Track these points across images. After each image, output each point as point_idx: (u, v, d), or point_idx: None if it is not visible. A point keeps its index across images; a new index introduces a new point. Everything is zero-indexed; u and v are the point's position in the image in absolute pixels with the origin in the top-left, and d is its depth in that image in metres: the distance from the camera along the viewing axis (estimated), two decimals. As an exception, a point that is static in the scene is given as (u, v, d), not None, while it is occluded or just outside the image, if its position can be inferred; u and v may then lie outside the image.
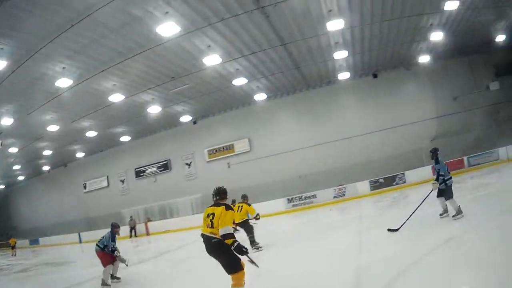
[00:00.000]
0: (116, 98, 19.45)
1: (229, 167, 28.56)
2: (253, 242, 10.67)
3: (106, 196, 32.87)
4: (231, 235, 5.12)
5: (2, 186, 38.66)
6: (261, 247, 10.38)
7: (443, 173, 9.50)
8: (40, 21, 11.91)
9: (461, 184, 14.60)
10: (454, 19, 19.56)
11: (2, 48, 12.73)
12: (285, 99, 27.77)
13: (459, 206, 9.15)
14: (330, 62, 22.25)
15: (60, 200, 34.73)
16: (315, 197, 23.89)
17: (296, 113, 27.99)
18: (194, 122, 29.05)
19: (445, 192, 9.49)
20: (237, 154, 28.53)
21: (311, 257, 8.16)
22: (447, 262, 5.99)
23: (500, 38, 23.46)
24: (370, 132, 26.20)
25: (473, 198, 11.59)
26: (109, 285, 8.99)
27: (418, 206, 9.66)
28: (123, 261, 9.33)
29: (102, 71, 16.51)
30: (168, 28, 13.43)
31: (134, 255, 16.18)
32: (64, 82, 15.93)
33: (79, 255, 21.24)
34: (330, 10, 15.34)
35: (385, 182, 23.42)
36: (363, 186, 23.51)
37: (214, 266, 5.58)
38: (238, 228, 11.03)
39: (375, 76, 26.52)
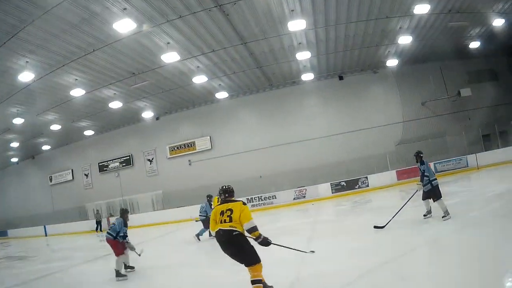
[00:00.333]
0: (78, 92, 20.51)
1: (190, 164, 29.83)
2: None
3: (71, 189, 33.96)
4: (256, 228, 5.59)
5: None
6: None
7: (428, 174, 10.15)
8: (3, 15, 12.63)
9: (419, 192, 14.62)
10: (425, 23, 20.68)
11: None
12: (248, 98, 29.07)
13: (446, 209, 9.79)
14: (294, 62, 23.33)
15: (28, 192, 35.91)
16: (275, 198, 24.91)
17: (259, 113, 29.27)
18: (157, 118, 30.31)
19: (432, 193, 10.09)
20: (198, 152, 29.75)
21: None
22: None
23: (475, 44, 24.74)
24: (334, 134, 27.47)
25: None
26: (125, 275, 9.08)
27: (403, 206, 10.48)
28: (132, 248, 9.48)
29: (64, 65, 17.40)
30: (125, 24, 14.11)
31: (100, 249, 17.09)
32: (27, 76, 16.80)
33: (43, 249, 21.77)
34: (292, 10, 16.19)
35: (347, 185, 24.61)
36: (325, 188, 24.53)
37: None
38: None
39: (341, 78, 27.83)
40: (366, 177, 24.57)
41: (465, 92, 27.14)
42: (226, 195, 6.06)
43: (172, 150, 30.40)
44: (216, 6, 14.82)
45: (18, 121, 23.33)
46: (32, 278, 10.89)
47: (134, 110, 27.69)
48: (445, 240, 8.09)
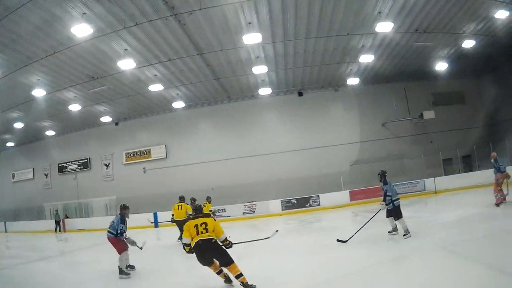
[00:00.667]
0: (40, 93, 22.27)
1: (144, 172, 31.60)
2: (180, 238, 13.85)
3: (31, 188, 35.40)
4: (227, 238, 7.64)
5: None
6: None
7: (390, 194, 11.07)
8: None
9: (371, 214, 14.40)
10: (389, 42, 21.87)
11: None
12: (205, 110, 30.72)
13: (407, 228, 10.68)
14: (251, 76, 24.78)
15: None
16: (225, 211, 25.64)
17: (215, 124, 30.92)
18: (116, 123, 32.08)
19: (393, 212, 11.04)
20: (153, 160, 31.51)
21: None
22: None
23: (442, 66, 26.15)
24: (290, 151, 28.98)
25: (375, 234, 11.76)
26: (128, 274, 9.80)
27: (366, 223, 11.45)
28: (133, 243, 10.15)
29: (27, 65, 18.77)
30: (84, 29, 15.38)
31: (54, 249, 19.04)
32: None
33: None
34: (250, 23, 17.35)
35: (298, 203, 25.47)
36: (275, 205, 25.48)
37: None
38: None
39: (300, 94, 29.44)
40: (318, 196, 25.40)
41: (428, 114, 28.60)
42: (198, 212, 8.05)
43: (128, 157, 32.09)
44: (172, 15, 15.88)
45: (-19, 117, 24.89)
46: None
47: (94, 114, 29.11)
48: (406, 258, 8.99)
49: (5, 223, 32.81)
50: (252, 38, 18.30)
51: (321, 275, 8.01)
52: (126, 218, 10.31)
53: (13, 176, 37.08)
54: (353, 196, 25.58)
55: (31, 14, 14.61)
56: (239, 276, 7.33)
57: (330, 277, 7.74)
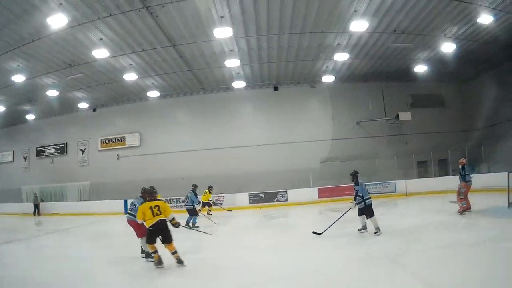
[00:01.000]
0: (19, 78, 23.94)
1: (118, 159, 33.58)
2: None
3: (10, 170, 37.51)
4: (174, 218, 9.62)
5: None
6: None
7: (361, 194, 11.86)
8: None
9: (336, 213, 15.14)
10: (366, 41, 23.07)
11: None
12: (180, 100, 32.67)
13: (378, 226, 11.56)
14: (226, 69, 26.11)
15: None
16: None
17: (190, 115, 32.91)
18: (94, 110, 34.16)
19: (365, 211, 11.89)
20: (127, 147, 33.47)
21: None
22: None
23: (421, 68, 27.16)
24: (261, 145, 30.95)
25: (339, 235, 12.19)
26: (151, 257, 9.93)
27: (338, 219, 12.37)
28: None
29: (8, 52, 20.40)
30: (60, 19, 16.59)
31: (25, 231, 20.74)
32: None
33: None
34: (222, 17, 18.36)
35: (265, 197, 27.16)
36: (243, 198, 26.98)
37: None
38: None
39: (276, 89, 31.19)
40: (286, 191, 26.96)
41: (404, 116, 30.28)
42: (152, 195, 9.76)
43: (103, 143, 34.14)
44: (144, 8, 17.04)
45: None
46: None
47: (72, 100, 31.09)
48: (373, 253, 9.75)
49: (-17, 204, 34.84)
50: (223, 32, 19.27)
51: (269, 272, 8.61)
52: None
53: (-5, 158, 39.20)
54: (322, 193, 27.26)
55: (11, 3, 16.11)
56: (174, 252, 9.35)
57: (278, 275, 8.31)
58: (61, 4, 16.22)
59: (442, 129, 31.55)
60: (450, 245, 9.67)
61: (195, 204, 18.18)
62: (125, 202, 28.12)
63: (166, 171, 30.38)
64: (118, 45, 21.53)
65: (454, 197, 15.71)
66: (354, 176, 12.36)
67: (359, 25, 19.62)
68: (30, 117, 35.22)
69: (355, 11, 18.76)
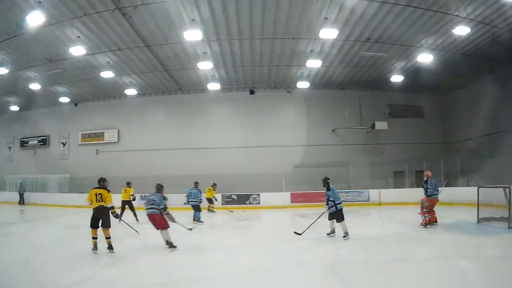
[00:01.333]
0: (2, 71, 25.63)
1: (97, 153, 35.54)
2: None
3: None
4: (113, 207, 11.47)
5: None
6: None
7: (332, 199, 12.73)
8: None
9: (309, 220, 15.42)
10: (340, 49, 24.07)
11: None
12: (157, 98, 34.45)
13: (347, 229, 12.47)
14: (200, 71, 27.50)
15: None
16: (166, 199, 27.66)
17: (167, 114, 34.75)
18: (75, 104, 36.30)
19: (336, 215, 12.76)
20: (106, 143, 35.36)
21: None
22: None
23: (398, 79, 28.52)
24: (237, 147, 32.50)
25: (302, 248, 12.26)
26: (175, 246, 11.63)
27: (313, 222, 13.58)
28: (173, 219, 12.08)
29: None
30: (39, 16, 18.17)
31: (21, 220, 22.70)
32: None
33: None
34: (193, 20, 19.53)
35: (238, 199, 28.43)
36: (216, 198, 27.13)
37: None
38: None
39: (252, 92, 32.87)
40: (258, 194, 28.25)
41: (381, 125, 31.84)
42: (102, 183, 11.83)
43: (83, 137, 36.14)
44: (117, 8, 18.24)
45: None
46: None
47: (53, 93, 32.86)
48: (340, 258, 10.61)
49: (-34, 193, 36.32)
50: (194, 35, 20.54)
51: (237, 269, 9.41)
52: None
53: (-21, 147, 40.26)
54: (294, 198, 28.57)
55: (-6, 0, 17.22)
56: (108, 238, 11.19)
57: (240, 272, 9.13)
58: (40, 2, 17.68)
59: (420, 140, 33.07)
60: (397, 259, 10.13)
61: (199, 200, 20.28)
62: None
63: (143, 168, 32.10)
64: (94, 43, 22.92)
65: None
66: (325, 182, 13.28)
67: (330, 33, 20.58)
68: (14, 108, 37.35)
69: (326, 18, 19.76)
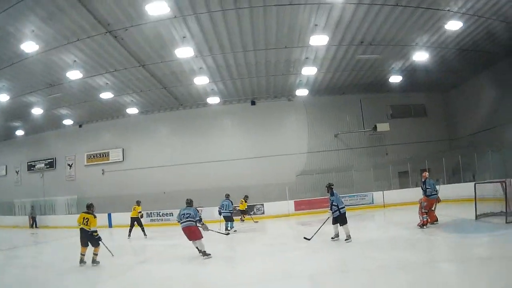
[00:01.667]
0: (4, 98, 26.35)
1: (103, 173, 36.14)
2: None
3: (3, 184, 40.39)
4: (96, 231, 12.80)
5: None
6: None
7: (336, 204, 13.39)
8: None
9: (310, 228, 16.96)
10: (334, 55, 24.28)
11: None
12: (160, 115, 35.01)
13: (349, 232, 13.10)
14: (199, 86, 27.83)
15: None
16: (172, 215, 28.39)
17: (170, 130, 35.22)
18: (80, 126, 36.97)
19: (340, 219, 13.38)
20: (111, 162, 35.99)
21: None
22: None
23: (398, 78, 28.34)
24: (239, 159, 32.91)
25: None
26: (209, 254, 12.80)
27: (320, 227, 14.22)
28: (206, 229, 13.52)
29: None
30: (33, 44, 18.78)
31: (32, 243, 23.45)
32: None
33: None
34: (184, 37, 19.95)
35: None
36: None
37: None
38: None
39: (253, 103, 33.17)
40: (262, 204, 28.61)
41: (383, 127, 31.79)
42: (88, 209, 13.16)
43: (89, 158, 36.76)
44: (107, 32, 18.93)
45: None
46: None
47: (57, 116, 33.77)
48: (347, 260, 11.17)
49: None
50: (185, 52, 20.94)
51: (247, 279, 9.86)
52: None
53: (-13, 173, 41.98)
54: (297, 206, 29.06)
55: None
56: (95, 254, 12.90)
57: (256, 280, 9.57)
58: (33, 30, 18.33)
59: (423, 138, 33.09)
60: (385, 266, 9.86)
61: (231, 211, 21.46)
62: (109, 215, 31.41)
63: (148, 185, 32.64)
64: (91, 66, 23.48)
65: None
66: (329, 187, 13.96)
67: (321, 39, 20.65)
68: (20, 132, 38.05)
69: (316, 25, 19.91)
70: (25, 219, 34.38)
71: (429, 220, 15.16)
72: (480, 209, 15.45)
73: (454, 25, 20.32)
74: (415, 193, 21.52)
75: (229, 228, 20.85)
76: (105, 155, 36.30)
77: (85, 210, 13.31)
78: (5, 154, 41.09)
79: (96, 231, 12.94)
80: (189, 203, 13.82)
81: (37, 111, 30.56)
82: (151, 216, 29.54)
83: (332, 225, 13.91)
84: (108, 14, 17.95)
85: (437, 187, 15.83)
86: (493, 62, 26.46)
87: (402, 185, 29.97)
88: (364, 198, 28.17)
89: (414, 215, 16.31)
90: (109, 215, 31.30)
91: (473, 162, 27.30)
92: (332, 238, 13.89)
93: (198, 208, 14.62)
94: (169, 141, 34.73)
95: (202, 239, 13.01)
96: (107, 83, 26.48)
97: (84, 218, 12.93)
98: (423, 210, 15.03)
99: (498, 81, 26.77)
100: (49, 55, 21.42)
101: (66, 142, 37.67)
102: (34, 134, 38.55)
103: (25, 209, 36.25)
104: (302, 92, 30.71)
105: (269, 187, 29.82)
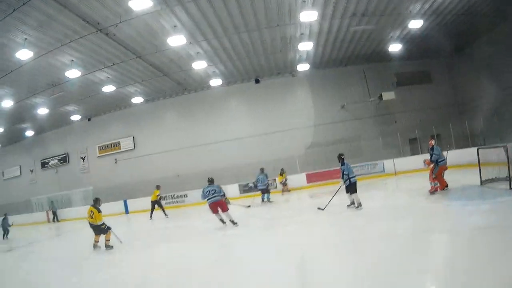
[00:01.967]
0: (8, 103, 27.93)
1: (116, 162, 37.04)
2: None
3: (19, 184, 42.18)
4: (104, 223, 13.58)
5: None
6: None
7: (347, 173, 13.70)
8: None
9: (317, 200, 18.22)
10: (329, 29, 24.20)
11: None
12: (165, 101, 35.48)
13: (360, 200, 13.62)
14: (200, 69, 28.13)
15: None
16: (186, 196, 29.78)
17: (177, 115, 35.56)
18: (89, 119, 37.60)
19: (350, 188, 13.86)
20: (123, 151, 36.69)
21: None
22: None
23: (398, 47, 27.90)
24: (249, 137, 33.23)
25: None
26: (236, 222, 14.32)
27: (332, 197, 14.83)
28: (229, 203, 14.88)
29: None
30: (27, 51, 19.77)
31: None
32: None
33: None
34: (175, 26, 20.30)
35: (255, 187, 27.49)
36: (233, 189, 28.52)
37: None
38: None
39: (257, 81, 33.21)
40: (275, 179, 28.31)
41: (388, 95, 31.61)
42: (95, 203, 13.96)
43: (101, 149, 37.55)
44: (98, 31, 19.66)
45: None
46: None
47: (65, 113, 34.56)
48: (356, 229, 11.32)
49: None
50: (177, 40, 21.41)
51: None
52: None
53: (3, 174, 43.61)
54: (310, 178, 28.88)
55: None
56: (108, 240, 13.69)
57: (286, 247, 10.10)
58: (26, 39, 19.29)
59: (431, 105, 32.65)
60: (387, 235, 9.82)
61: (266, 184, 22.75)
62: (125, 202, 32.27)
63: (161, 170, 33.28)
64: (89, 63, 24.13)
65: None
66: (339, 157, 14.30)
67: (311, 14, 20.83)
68: (29, 133, 39.31)
69: (303, 1, 19.94)
70: (43, 215, 35.61)
71: (439, 186, 15.04)
72: (486, 175, 15.05)
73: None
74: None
75: (265, 200, 22.28)
76: (117, 145, 37.02)
77: (92, 203, 14.11)
78: (17, 155, 42.41)
79: (103, 224, 13.73)
80: (211, 181, 15.06)
81: (43, 111, 31.36)
82: (166, 199, 29.39)
83: (346, 194, 14.36)
84: (96, 14, 18.46)
85: (445, 153, 15.79)
86: (494, 25, 26.00)
87: (414, 152, 29.64)
88: (375, 167, 27.74)
89: (424, 182, 16.44)
90: (125, 202, 32.26)
91: (481, 127, 26.97)
92: (348, 205, 14.48)
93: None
94: (178, 125, 35.24)
95: (229, 210, 14.61)
96: (108, 77, 26.92)
97: (90, 211, 13.69)
98: (434, 177, 14.93)
99: (502, 44, 26.09)
100: (46, 58, 22.03)
101: (77, 136, 38.45)
102: (44, 133, 39.61)
103: (42, 205, 37.35)
104: (303, 67, 30.67)
105: (280, 162, 29.23)
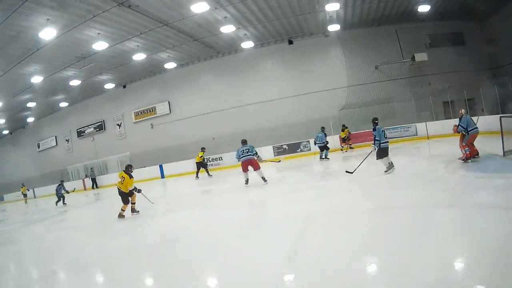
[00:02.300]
0: (38, 79, 29.14)
1: (152, 127, 37.17)
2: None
3: (55, 154, 43.31)
4: (133, 187, 13.11)
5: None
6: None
7: (378, 139, 13.45)
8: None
9: (349, 163, 18.91)
10: None
11: None
12: (199, 65, 35.05)
13: (390, 163, 13.43)
14: (232, 33, 27.76)
15: (19, 159, 45.90)
16: (222, 159, 30.26)
17: (212, 78, 35.02)
18: (124, 86, 37.96)
19: (380, 152, 13.59)
20: (158, 116, 36.80)
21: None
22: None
23: (426, 8, 27.07)
24: (283, 98, 32.61)
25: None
26: (266, 180, 15.25)
27: (362, 161, 14.70)
28: (261, 160, 15.90)
29: (18, 63, 25.36)
30: (51, 30, 20.80)
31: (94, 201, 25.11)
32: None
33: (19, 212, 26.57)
34: None
35: (289, 148, 29.23)
36: (267, 151, 28.58)
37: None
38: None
39: (290, 42, 32.40)
40: (308, 141, 28.43)
41: (421, 57, 30.37)
42: (127, 169, 13.60)
43: (136, 115, 37.87)
44: (119, 4, 20.10)
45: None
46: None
47: (98, 82, 34.99)
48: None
49: (33, 190, 40.10)
50: (201, 7, 21.96)
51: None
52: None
53: (39, 146, 44.89)
54: (342, 140, 28.13)
55: (5, 26, 20.23)
56: (133, 203, 13.65)
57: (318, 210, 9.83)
58: (48, 19, 19.99)
59: (464, 68, 31.21)
60: (377, 207, 9.15)
61: (324, 142, 22.90)
62: (161, 167, 32.88)
63: (197, 133, 33.64)
64: (117, 34, 24.42)
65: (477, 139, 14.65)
66: (373, 122, 13.97)
67: None
68: (63, 104, 40.17)
69: None
70: (80, 183, 36.60)
71: (469, 153, 13.82)
72: (508, 145, 13.65)
73: None
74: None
75: (323, 157, 22.87)
76: (152, 110, 37.13)
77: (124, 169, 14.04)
78: (53, 126, 43.46)
79: (134, 188, 13.55)
80: (245, 142, 16.19)
81: (75, 82, 32.01)
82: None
83: (377, 160, 14.07)
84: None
85: (475, 119, 14.68)
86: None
87: (448, 115, 28.26)
88: (408, 130, 26.95)
89: (454, 148, 15.65)
90: (161, 167, 32.90)
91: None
92: (385, 171, 13.82)
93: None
94: (212, 88, 34.92)
95: (260, 169, 15.56)
96: (138, 45, 27.07)
97: (122, 176, 13.43)
98: (464, 144, 13.88)
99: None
100: (71, 34, 22.55)
101: (112, 104, 38.87)
102: (78, 103, 40.39)
103: (78, 173, 38.58)
104: (335, 27, 29.86)
105: (313, 123, 28.90)
